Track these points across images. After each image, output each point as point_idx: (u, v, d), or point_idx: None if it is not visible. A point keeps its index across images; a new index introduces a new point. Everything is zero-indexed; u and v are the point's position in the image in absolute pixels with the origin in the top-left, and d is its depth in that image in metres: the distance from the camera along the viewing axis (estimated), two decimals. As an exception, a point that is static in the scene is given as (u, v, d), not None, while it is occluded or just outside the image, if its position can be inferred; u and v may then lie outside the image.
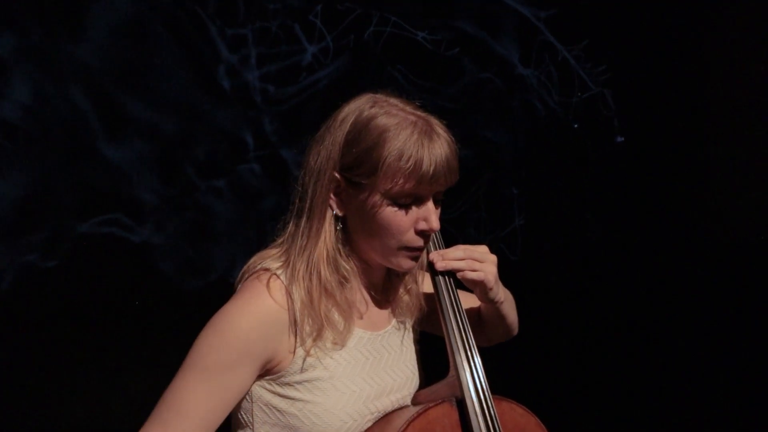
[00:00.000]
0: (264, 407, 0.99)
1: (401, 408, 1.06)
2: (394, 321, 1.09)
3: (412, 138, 0.98)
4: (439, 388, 1.04)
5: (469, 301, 1.15)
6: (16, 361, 1.98)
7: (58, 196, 2.08)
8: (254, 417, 0.99)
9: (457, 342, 1.03)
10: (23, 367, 1.99)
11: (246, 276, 1.01)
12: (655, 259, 2.69)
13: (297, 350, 0.98)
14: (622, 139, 2.74)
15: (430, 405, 1.01)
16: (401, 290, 1.09)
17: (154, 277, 2.17)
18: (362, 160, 0.99)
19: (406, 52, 2.46)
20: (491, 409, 1.02)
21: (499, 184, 2.63)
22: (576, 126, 2.72)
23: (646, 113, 2.74)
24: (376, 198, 0.99)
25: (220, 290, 2.28)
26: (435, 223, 1.01)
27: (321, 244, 0.99)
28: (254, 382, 0.97)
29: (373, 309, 1.07)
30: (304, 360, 0.98)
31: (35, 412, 1.98)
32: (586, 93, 2.72)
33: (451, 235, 1.36)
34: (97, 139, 2.11)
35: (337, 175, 1.01)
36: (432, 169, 0.98)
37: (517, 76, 2.63)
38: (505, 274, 1.14)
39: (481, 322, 1.13)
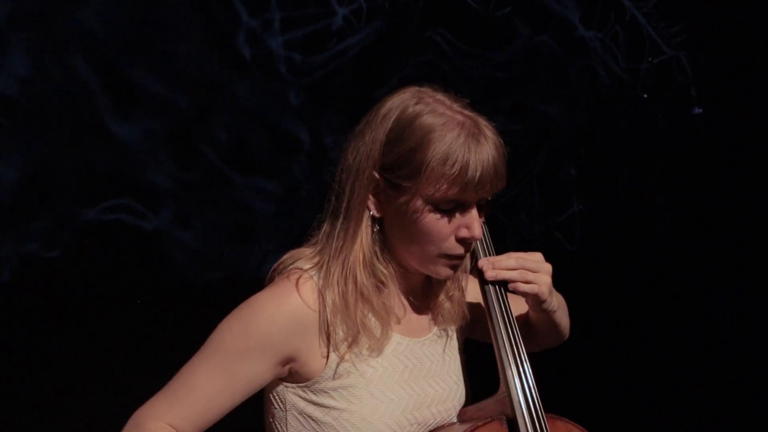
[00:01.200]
0: (298, 416, 1.04)
1: (448, 425, 1.10)
2: (435, 329, 1.13)
3: (459, 140, 1.01)
4: (488, 405, 1.08)
5: (517, 305, 1.18)
6: (17, 357, 2.06)
7: (60, 178, 2.13)
8: (288, 426, 1.05)
9: (507, 356, 1.07)
10: (24, 364, 2.07)
11: (277, 273, 1.07)
12: (737, 253, 2.64)
13: (330, 356, 1.04)
14: (701, 110, 2.69)
15: (479, 424, 1.04)
16: (442, 297, 1.13)
17: (165, 268, 2.22)
18: (404, 162, 1.02)
19: (450, 13, 2.44)
20: (545, 430, 1.04)
21: (555, 164, 2.61)
22: (646, 96, 2.68)
23: (728, 80, 2.68)
24: (418, 202, 1.02)
25: (235, 285, 2.32)
26: (477, 232, 1.05)
27: (357, 246, 1.04)
28: (272, 378, 1.04)
29: (412, 315, 1.11)
30: (338, 366, 1.03)
31: (37, 409, 2.06)
32: (659, 57, 2.67)
33: (500, 223, 1.36)
34: (102, 114, 2.15)
35: (376, 175, 1.05)
36: (478, 174, 1.01)
37: (578, 39, 2.60)
38: (561, 266, 1.17)
39: (530, 328, 1.16)
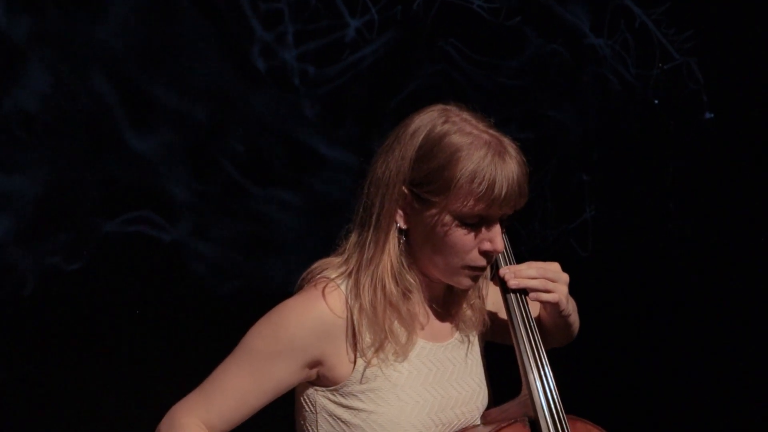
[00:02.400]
0: (328, 418, 1.11)
1: (472, 427, 1.16)
2: (457, 334, 1.19)
3: (486, 160, 1.08)
4: (511, 407, 1.14)
5: (531, 308, 1.23)
6: (41, 368, 2.12)
7: (80, 192, 2.20)
8: (319, 428, 1.12)
9: (529, 360, 1.13)
10: (48, 374, 2.13)
11: (306, 281, 1.15)
12: (750, 257, 2.66)
13: (357, 361, 1.11)
14: (712, 115, 2.72)
15: (503, 425, 1.11)
16: (464, 305, 1.20)
17: (184, 279, 2.28)
18: (433, 178, 1.09)
19: (460, 23, 2.49)
20: (566, 430, 1.10)
21: (567, 171, 2.65)
22: (657, 102, 2.71)
23: (739, 85, 2.71)
24: (445, 217, 1.09)
25: (253, 295, 2.38)
26: (500, 246, 1.11)
27: (386, 257, 1.10)
28: (300, 381, 1.11)
29: (435, 322, 1.18)
30: (365, 370, 1.10)
31: (61, 418, 2.12)
32: (669, 63, 2.71)
33: (513, 229, 1.41)
34: (121, 128, 2.21)
35: (405, 189, 1.11)
36: (504, 192, 1.08)
37: (588, 47, 2.64)
38: (574, 273, 1.23)
39: (544, 330, 1.23)
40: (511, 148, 1.11)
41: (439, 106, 1.13)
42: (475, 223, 1.09)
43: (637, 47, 2.67)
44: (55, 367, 2.15)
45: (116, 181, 2.22)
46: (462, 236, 1.08)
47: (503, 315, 1.19)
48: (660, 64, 2.69)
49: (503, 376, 1.23)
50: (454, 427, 1.13)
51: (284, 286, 2.27)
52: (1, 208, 2.13)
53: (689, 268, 2.68)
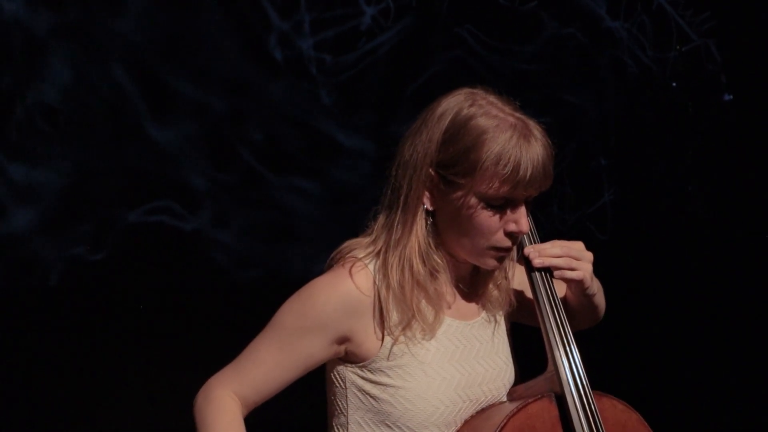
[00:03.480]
0: (357, 393, 1.16)
1: (499, 403, 1.19)
2: (483, 313, 1.22)
3: (511, 142, 1.11)
4: (537, 383, 1.17)
5: (557, 289, 1.25)
6: (67, 357, 2.18)
7: (102, 183, 2.24)
8: (348, 403, 1.16)
9: (555, 338, 1.16)
10: (74, 363, 2.18)
11: (335, 261, 1.19)
12: (770, 239, 2.66)
13: (385, 338, 1.14)
14: (731, 97, 2.72)
15: (530, 400, 1.13)
16: (491, 285, 1.23)
17: (205, 268, 2.32)
18: (459, 160, 1.12)
19: (476, 8, 2.51)
20: (592, 405, 1.14)
21: (586, 155, 2.66)
22: (675, 84, 2.71)
23: (758, 66, 2.70)
24: (471, 198, 1.12)
25: (274, 282, 2.42)
26: (525, 227, 1.14)
27: (413, 237, 1.14)
28: (329, 357, 1.16)
29: (462, 301, 1.21)
30: (392, 347, 1.14)
31: (86, 407, 2.17)
32: (687, 45, 2.71)
33: (533, 215, 1.43)
34: (141, 119, 2.26)
35: (432, 171, 1.14)
36: (529, 174, 1.11)
37: (605, 30, 2.64)
38: (593, 256, 1.24)
39: (570, 310, 1.25)
40: (536, 130, 1.13)
41: (466, 90, 1.15)
42: (501, 205, 1.12)
43: (654, 29, 2.67)
44: (81, 355, 2.21)
45: (137, 171, 2.26)
46: (487, 218, 1.11)
47: (529, 295, 1.22)
48: (678, 46, 2.69)
49: (528, 357, 1.26)
50: (481, 403, 1.17)
51: (304, 273, 2.31)
52: (25, 200, 2.18)
53: (708, 250, 2.68)
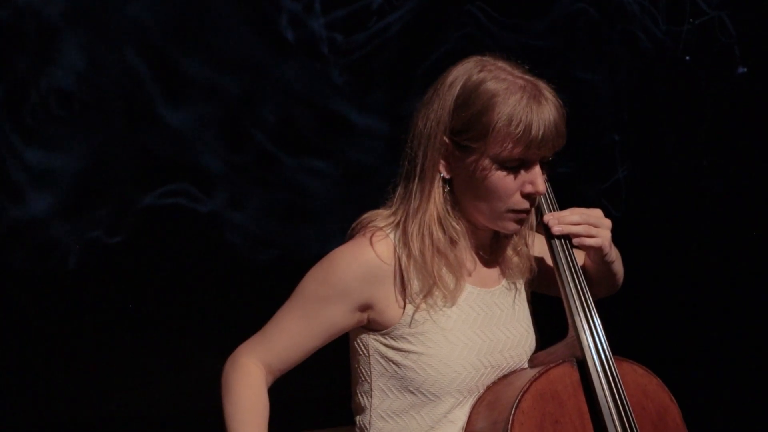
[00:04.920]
0: (381, 359, 1.18)
1: (520, 370, 1.21)
2: (504, 281, 1.24)
3: (522, 103, 1.12)
4: (558, 349, 1.18)
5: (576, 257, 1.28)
6: (86, 339, 2.22)
7: (118, 167, 2.27)
8: (372, 370, 1.19)
9: (576, 304, 1.18)
10: (92, 344, 2.23)
11: (356, 231, 1.21)
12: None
13: (406, 306, 1.17)
14: (745, 70, 2.71)
15: (551, 365, 1.15)
16: (510, 251, 1.24)
17: (222, 249, 2.36)
18: (471, 125, 1.14)
19: (487, -15, 2.51)
20: (613, 369, 1.15)
21: (599, 130, 2.67)
22: (688, 58, 2.71)
23: (774, 38, 2.69)
24: (485, 162, 1.14)
25: (289, 262, 2.45)
26: (541, 186, 1.16)
27: (431, 206, 1.16)
28: (352, 324, 1.18)
29: (482, 268, 1.23)
30: (414, 314, 1.16)
31: (104, 387, 2.22)
32: (700, 18, 2.69)
33: (549, 183, 1.45)
34: (155, 103, 2.28)
35: (446, 139, 1.16)
36: (541, 133, 1.12)
37: (616, 4, 2.63)
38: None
39: (589, 278, 1.26)
40: (547, 91, 1.15)
41: (475, 57, 1.17)
42: (515, 167, 1.13)
43: (666, 2, 2.66)
44: (100, 336, 2.25)
45: (153, 154, 2.29)
46: (502, 179, 1.13)
47: (549, 263, 1.24)
48: (691, 19, 2.68)
49: (548, 327, 1.28)
50: (503, 369, 1.19)
51: (319, 252, 2.34)
52: (43, 185, 2.22)
53: (723, 225, 2.69)
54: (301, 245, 2.41)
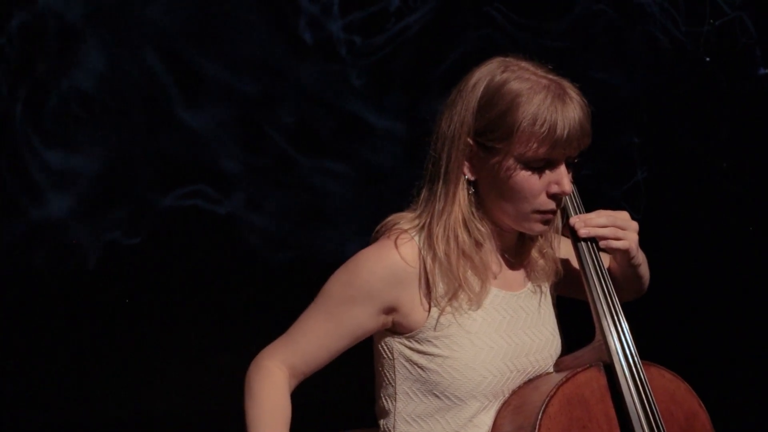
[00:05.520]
0: (405, 363, 1.17)
1: (546, 374, 1.20)
2: (529, 284, 1.23)
3: (546, 102, 1.11)
4: (585, 353, 1.17)
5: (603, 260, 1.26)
6: (105, 339, 2.23)
7: (137, 168, 2.28)
8: (396, 373, 1.18)
9: (603, 307, 1.16)
10: (112, 344, 2.23)
11: (380, 233, 1.19)
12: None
13: (431, 309, 1.15)
14: (766, 71, 2.68)
15: (578, 370, 1.14)
16: (536, 254, 1.23)
17: (240, 250, 2.36)
18: (496, 125, 1.13)
19: (505, -14, 2.50)
20: (641, 374, 1.14)
21: (618, 132, 2.64)
22: (708, 59, 2.68)
23: (796, 38, 2.66)
24: (510, 162, 1.13)
25: (307, 263, 2.45)
26: (567, 187, 1.14)
27: (456, 207, 1.15)
28: (376, 327, 1.17)
29: (508, 271, 1.21)
30: (439, 317, 1.15)
31: (123, 388, 2.23)
32: (720, 19, 2.67)
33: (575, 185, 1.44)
34: (173, 105, 2.29)
35: (470, 140, 1.15)
36: (566, 133, 1.11)
37: (635, 5, 2.61)
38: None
39: (614, 280, 1.24)
40: (571, 90, 1.14)
41: (498, 58, 1.16)
42: (540, 167, 1.12)
43: (686, 3, 2.63)
44: (118, 337, 2.26)
45: (171, 156, 2.30)
46: (528, 180, 1.12)
47: (574, 266, 1.22)
48: (711, 20, 2.65)
49: (573, 331, 1.27)
50: (528, 374, 1.18)
51: (336, 254, 2.34)
52: (63, 186, 2.23)
53: (743, 227, 2.66)
54: (318, 247, 2.40)
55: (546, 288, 1.24)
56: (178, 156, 2.30)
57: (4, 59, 2.14)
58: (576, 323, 1.26)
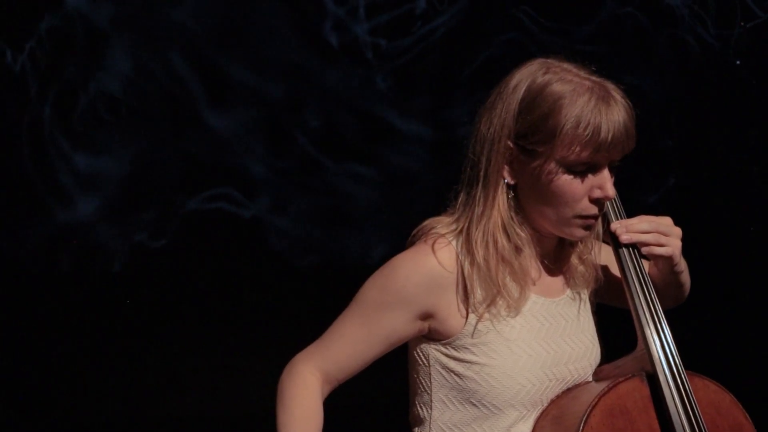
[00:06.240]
0: (441, 370, 1.14)
1: (585, 383, 1.16)
2: (568, 291, 1.19)
3: (590, 105, 1.08)
4: (626, 362, 1.13)
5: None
6: (130, 342, 2.22)
7: (163, 171, 2.28)
8: (432, 381, 1.15)
9: (645, 315, 1.13)
10: (137, 347, 2.23)
11: (417, 238, 1.17)
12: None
13: (469, 315, 1.13)
14: (797, 75, 2.63)
15: (620, 380, 1.10)
16: (575, 260, 1.20)
17: (265, 254, 2.34)
18: (537, 128, 1.10)
19: (532, -11, 2.47)
20: (686, 385, 1.10)
21: (647, 137, 2.60)
22: (739, 63, 2.64)
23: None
24: (551, 166, 1.10)
25: (332, 268, 2.43)
26: (610, 191, 1.11)
27: (495, 212, 1.12)
28: (413, 333, 1.14)
29: (547, 277, 1.18)
30: (477, 324, 1.12)
31: (149, 391, 2.22)
32: (752, 21, 2.62)
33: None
34: (199, 107, 2.28)
35: (510, 143, 1.12)
36: (610, 136, 1.08)
37: (665, 8, 2.57)
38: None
39: (654, 287, 1.20)
40: (615, 92, 1.11)
41: (539, 59, 1.14)
42: (583, 171, 1.09)
43: (716, 5, 2.59)
44: (143, 339, 2.25)
45: (197, 159, 2.29)
46: (570, 184, 1.09)
47: (614, 272, 1.19)
48: (742, 23, 2.61)
49: (610, 339, 1.24)
50: (567, 382, 1.15)
51: (362, 258, 2.31)
52: (89, 189, 2.23)
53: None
54: (343, 250, 2.38)
55: (585, 295, 1.21)
56: (203, 159, 2.30)
57: (34, 62, 2.15)
58: (613, 330, 1.22)
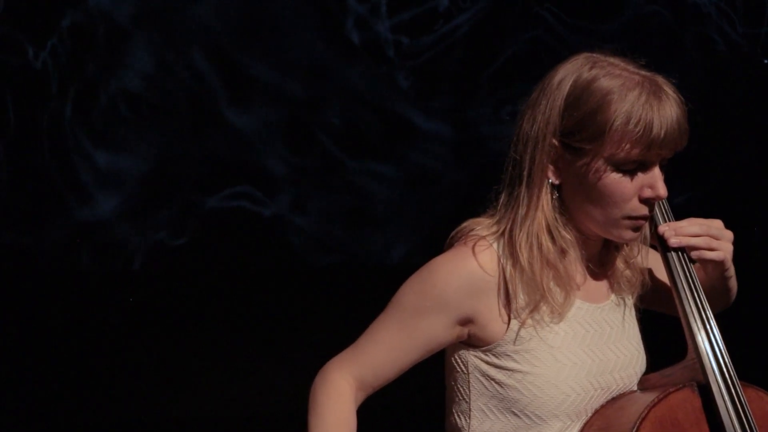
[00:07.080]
0: (481, 378, 1.08)
1: (630, 393, 1.10)
2: (613, 296, 1.13)
3: (640, 100, 1.02)
4: (675, 371, 1.07)
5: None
6: (150, 339, 2.19)
7: (183, 169, 2.24)
8: (471, 389, 1.08)
9: (696, 322, 1.07)
10: (156, 345, 2.19)
11: (456, 240, 1.10)
12: None
13: (511, 321, 1.06)
14: (825, 74, 2.56)
15: (671, 390, 1.04)
16: (621, 264, 1.13)
17: (285, 252, 2.30)
18: (585, 125, 1.03)
19: (556, -14, 2.41)
20: (741, 396, 1.04)
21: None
22: (766, 62, 2.57)
23: None
24: (599, 164, 1.03)
25: (352, 267, 2.37)
26: (662, 190, 1.04)
27: (539, 213, 1.06)
28: (451, 339, 1.08)
29: (592, 282, 1.12)
30: (519, 330, 1.06)
31: (167, 388, 2.18)
32: (779, 20, 2.55)
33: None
34: (220, 106, 2.24)
35: (555, 141, 1.06)
36: (663, 132, 1.01)
37: (691, 6, 2.51)
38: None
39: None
40: (666, 86, 1.04)
41: (584, 54, 1.06)
42: (632, 169, 1.03)
43: (744, 3, 2.53)
44: (163, 337, 2.22)
45: (217, 157, 2.25)
46: (619, 183, 1.03)
47: (660, 277, 1.13)
48: (770, 21, 2.54)
49: (653, 346, 1.18)
50: (612, 392, 1.08)
51: (382, 256, 2.24)
52: (110, 187, 2.20)
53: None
54: (364, 249, 2.34)
55: (630, 300, 1.14)
56: (224, 157, 2.26)
57: (56, 59, 2.11)
58: (655, 337, 1.16)
